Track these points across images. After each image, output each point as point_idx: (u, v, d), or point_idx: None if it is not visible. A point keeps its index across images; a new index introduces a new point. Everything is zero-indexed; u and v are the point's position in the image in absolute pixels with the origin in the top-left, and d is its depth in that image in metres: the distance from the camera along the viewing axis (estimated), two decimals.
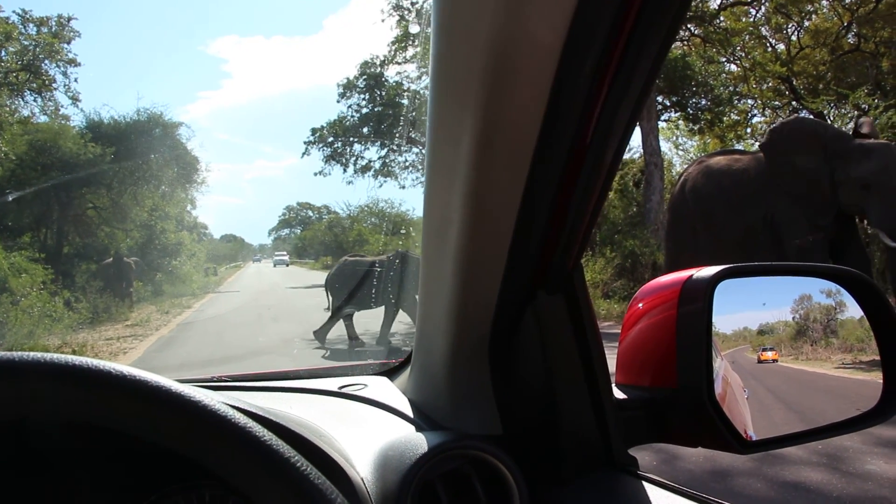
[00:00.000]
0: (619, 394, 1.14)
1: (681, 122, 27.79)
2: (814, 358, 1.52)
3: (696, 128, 27.06)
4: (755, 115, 32.94)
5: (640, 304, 1.18)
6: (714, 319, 1.60)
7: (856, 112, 22.25)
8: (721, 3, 24.15)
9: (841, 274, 1.38)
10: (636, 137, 20.37)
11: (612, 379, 1.17)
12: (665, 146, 32.61)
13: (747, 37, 26.57)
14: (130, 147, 23.84)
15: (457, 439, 1.04)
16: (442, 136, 0.92)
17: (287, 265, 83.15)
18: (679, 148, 31.65)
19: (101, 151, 22.41)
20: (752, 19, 26.68)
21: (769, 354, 1.48)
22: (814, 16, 30.79)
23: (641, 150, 22.76)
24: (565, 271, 1.05)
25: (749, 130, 32.34)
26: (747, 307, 1.50)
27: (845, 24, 31.34)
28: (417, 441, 1.03)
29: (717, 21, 24.01)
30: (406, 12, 24.55)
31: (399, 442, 1.06)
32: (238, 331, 15.22)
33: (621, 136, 0.86)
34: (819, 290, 1.47)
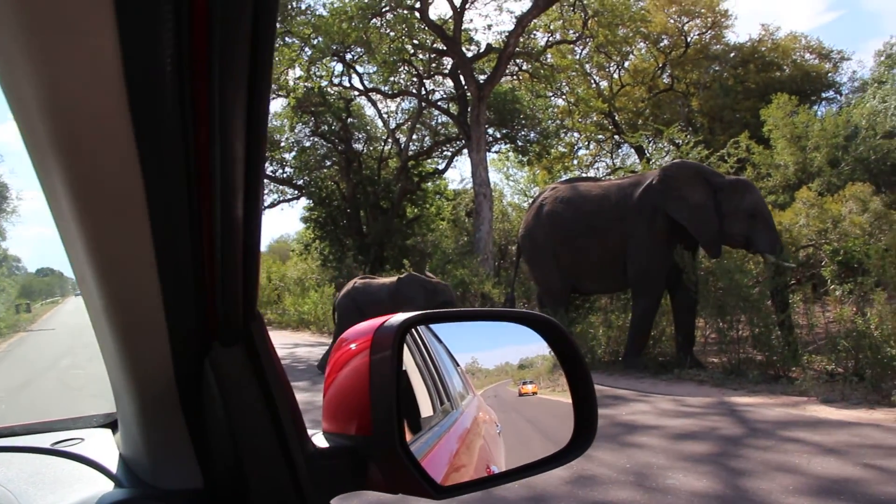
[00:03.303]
0: (325, 442, 1.12)
1: (511, 153, 28.66)
2: (568, 389, 1.54)
3: (525, 159, 27.98)
4: (580, 148, 34.64)
5: (343, 351, 1.17)
6: (475, 356, 1.60)
7: (671, 146, 23.68)
8: (548, 41, 25.14)
9: (532, 318, 1.45)
10: (466, 168, 20.80)
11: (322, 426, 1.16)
12: (496, 177, 33.65)
13: (573, 73, 27.77)
14: None
15: (138, 497, 1.02)
16: (48, 197, 0.85)
17: None
18: (510, 179, 32.66)
19: None
20: (577, 57, 27.92)
21: (529, 387, 1.52)
22: (632, 56, 32.77)
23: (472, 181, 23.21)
24: (238, 324, 1.00)
25: (576, 162, 33.91)
26: (509, 343, 1.52)
27: (660, 65, 33.67)
28: (100, 501, 1.00)
29: (544, 58, 24.97)
30: None
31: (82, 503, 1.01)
32: (48, 373, 14.18)
33: (245, 189, 0.82)
34: None
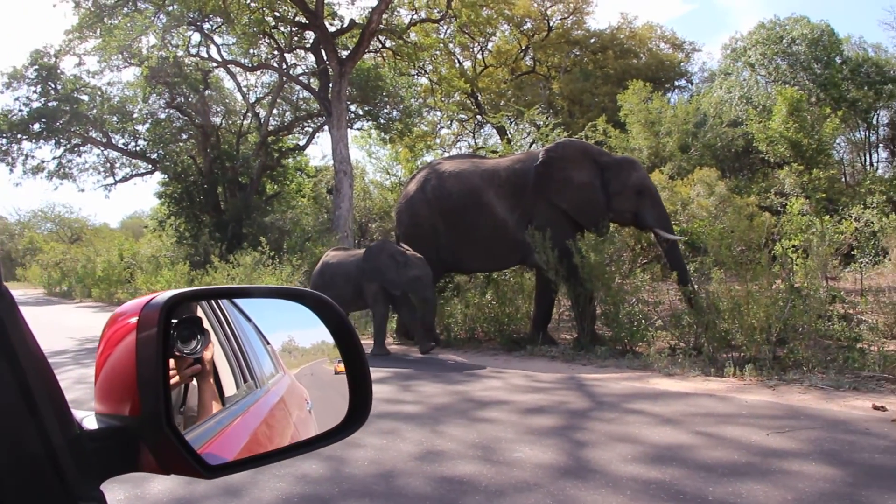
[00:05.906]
0: (96, 424, 1.08)
1: (373, 131, 28.47)
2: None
3: (387, 137, 27.87)
4: (443, 127, 34.96)
5: (116, 327, 1.12)
6: (292, 334, 1.56)
7: (532, 128, 24.19)
8: (412, 18, 25.06)
9: (307, 296, 1.46)
10: (328, 145, 20.32)
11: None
12: (358, 154, 33.42)
13: (436, 53, 27.81)
14: None
15: None
16: None
17: None
18: (372, 156, 32.49)
19: None
20: (440, 36, 27.96)
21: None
22: (496, 38, 33.24)
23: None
24: None
25: (438, 141, 34.17)
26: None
27: (523, 47, 34.36)
28: None
29: (408, 36, 24.89)
30: None
31: None
32: None
33: None
34: None
